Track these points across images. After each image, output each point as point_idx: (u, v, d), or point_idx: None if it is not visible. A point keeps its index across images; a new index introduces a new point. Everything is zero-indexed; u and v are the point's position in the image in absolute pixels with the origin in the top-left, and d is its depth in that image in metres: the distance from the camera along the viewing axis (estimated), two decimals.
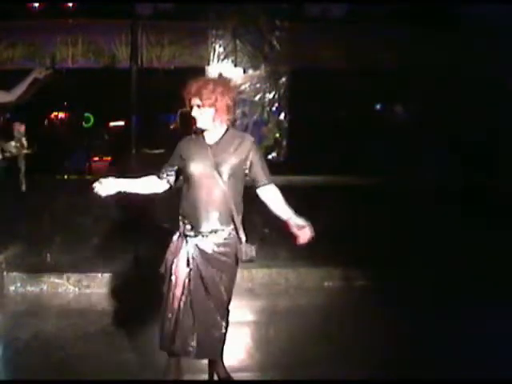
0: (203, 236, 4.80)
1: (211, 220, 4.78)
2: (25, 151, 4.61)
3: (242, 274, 8.03)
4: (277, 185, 8.05)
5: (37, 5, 8.05)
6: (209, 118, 4.69)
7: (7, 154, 5.42)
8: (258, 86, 8.74)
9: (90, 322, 6.83)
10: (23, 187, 4.60)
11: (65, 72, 8.47)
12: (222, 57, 8.58)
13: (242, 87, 8.75)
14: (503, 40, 8.21)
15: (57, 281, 7.82)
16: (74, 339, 6.28)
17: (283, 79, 8.73)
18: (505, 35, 8.16)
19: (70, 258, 7.91)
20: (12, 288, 7.77)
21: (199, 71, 8.73)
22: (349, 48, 8.43)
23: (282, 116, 8.80)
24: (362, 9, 8.19)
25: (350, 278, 8.08)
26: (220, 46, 8.55)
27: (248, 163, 4.83)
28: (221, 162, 4.72)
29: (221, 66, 8.65)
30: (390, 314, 6.94)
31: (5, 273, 7.73)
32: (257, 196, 7.97)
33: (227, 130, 4.82)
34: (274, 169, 8.42)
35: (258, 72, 8.72)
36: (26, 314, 7.11)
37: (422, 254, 7.85)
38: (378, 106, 9.96)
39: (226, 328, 4.93)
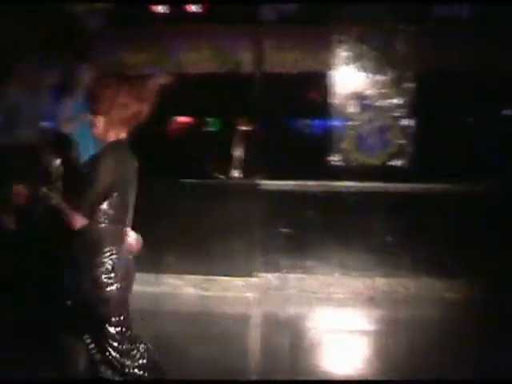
0: None
1: None
2: None
3: (362, 282, 8.00)
4: (401, 192, 8.07)
5: (162, 11, 8.23)
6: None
7: None
8: (382, 90, 8.59)
9: (208, 325, 6.91)
10: None
11: (189, 77, 8.62)
12: (345, 61, 8.49)
13: (367, 92, 8.64)
14: None
15: (176, 282, 7.98)
16: (192, 342, 6.36)
17: (409, 84, 8.56)
18: None
19: (191, 260, 8.03)
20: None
21: (322, 76, 8.69)
22: (478, 50, 8.15)
23: (407, 122, 8.62)
24: (491, 8, 7.90)
25: (474, 291, 7.81)
26: (344, 50, 8.46)
27: None
28: None
29: (344, 71, 8.57)
30: None
31: None
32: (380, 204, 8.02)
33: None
34: (398, 176, 8.42)
35: (382, 77, 8.57)
36: (146, 314, 7.27)
37: None
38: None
39: None
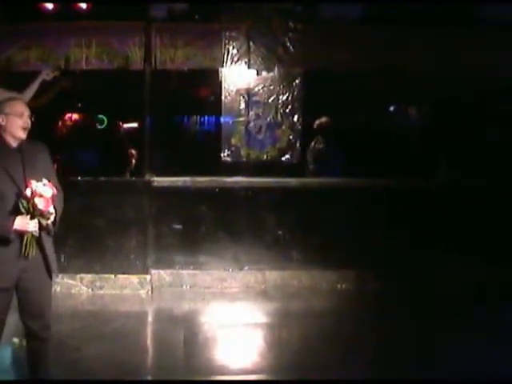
0: None
1: None
2: None
3: (254, 276, 8.12)
4: (291, 187, 8.23)
5: (50, 7, 8.06)
6: None
7: None
8: (271, 87, 8.70)
9: (103, 323, 6.88)
10: None
11: (78, 73, 8.51)
12: (235, 58, 8.55)
13: (256, 89, 8.73)
14: None
15: (70, 282, 7.88)
16: (88, 340, 6.32)
17: (297, 81, 8.69)
18: None
19: (84, 259, 7.94)
20: None
21: (212, 73, 8.74)
22: (362, 49, 8.38)
23: (295, 118, 8.77)
24: (376, 10, 8.16)
25: (363, 281, 8.07)
26: (233, 47, 8.50)
27: None
28: None
29: (234, 68, 8.62)
30: (403, 316, 6.93)
31: None
32: (271, 198, 8.16)
33: None
34: (287, 171, 8.58)
35: (271, 74, 8.67)
36: None
37: (436, 255, 7.84)
38: (392, 107, 9.93)
39: None
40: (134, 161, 9.40)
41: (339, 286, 8.12)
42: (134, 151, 9.39)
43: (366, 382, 5.45)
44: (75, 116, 9.75)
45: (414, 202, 8.07)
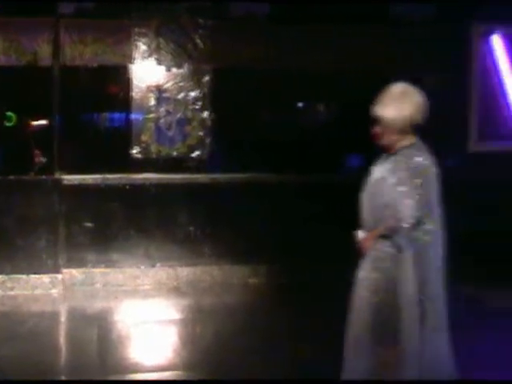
0: None
1: None
2: None
3: (167, 272, 8.17)
4: (201, 183, 8.30)
5: None
6: None
7: None
8: (181, 84, 8.74)
9: (15, 323, 6.81)
10: None
11: None
12: (144, 55, 8.54)
13: (166, 85, 8.74)
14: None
15: None
16: (0, 341, 6.25)
17: (206, 77, 8.75)
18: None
19: None
20: None
21: (122, 69, 8.70)
22: (272, 47, 8.51)
23: (205, 114, 8.83)
24: (287, 9, 8.32)
25: (274, 275, 8.22)
26: (143, 44, 8.50)
27: None
28: None
29: (144, 64, 8.61)
30: (314, 311, 7.08)
31: None
32: (182, 195, 8.21)
33: None
34: (198, 167, 8.64)
35: (181, 70, 8.70)
36: None
37: (347, 251, 8.01)
38: (301, 105, 10.05)
39: None
40: (43, 159, 9.24)
41: (250, 280, 8.26)
42: (43, 149, 9.23)
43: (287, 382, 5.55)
44: None
45: (322, 197, 8.23)
